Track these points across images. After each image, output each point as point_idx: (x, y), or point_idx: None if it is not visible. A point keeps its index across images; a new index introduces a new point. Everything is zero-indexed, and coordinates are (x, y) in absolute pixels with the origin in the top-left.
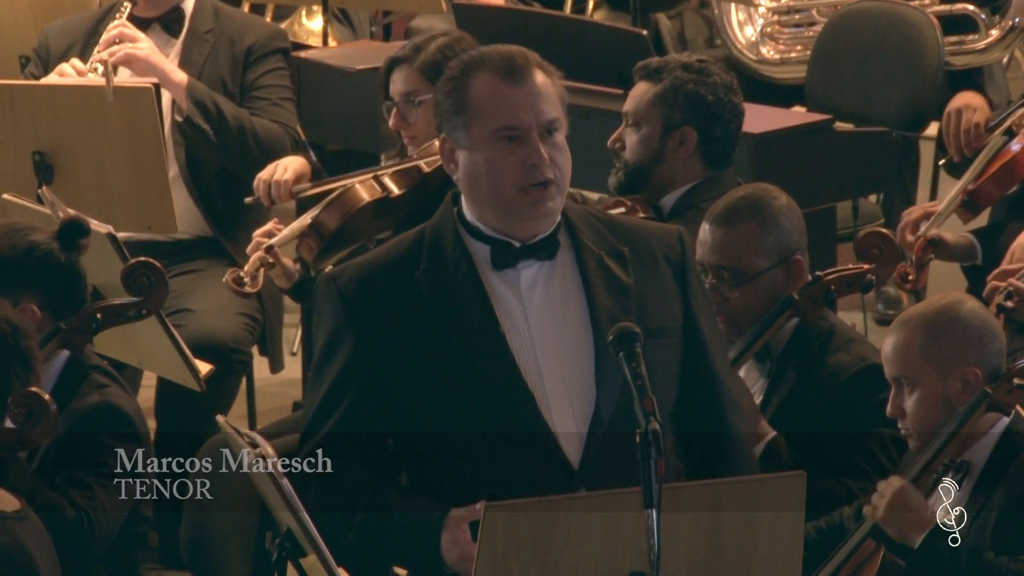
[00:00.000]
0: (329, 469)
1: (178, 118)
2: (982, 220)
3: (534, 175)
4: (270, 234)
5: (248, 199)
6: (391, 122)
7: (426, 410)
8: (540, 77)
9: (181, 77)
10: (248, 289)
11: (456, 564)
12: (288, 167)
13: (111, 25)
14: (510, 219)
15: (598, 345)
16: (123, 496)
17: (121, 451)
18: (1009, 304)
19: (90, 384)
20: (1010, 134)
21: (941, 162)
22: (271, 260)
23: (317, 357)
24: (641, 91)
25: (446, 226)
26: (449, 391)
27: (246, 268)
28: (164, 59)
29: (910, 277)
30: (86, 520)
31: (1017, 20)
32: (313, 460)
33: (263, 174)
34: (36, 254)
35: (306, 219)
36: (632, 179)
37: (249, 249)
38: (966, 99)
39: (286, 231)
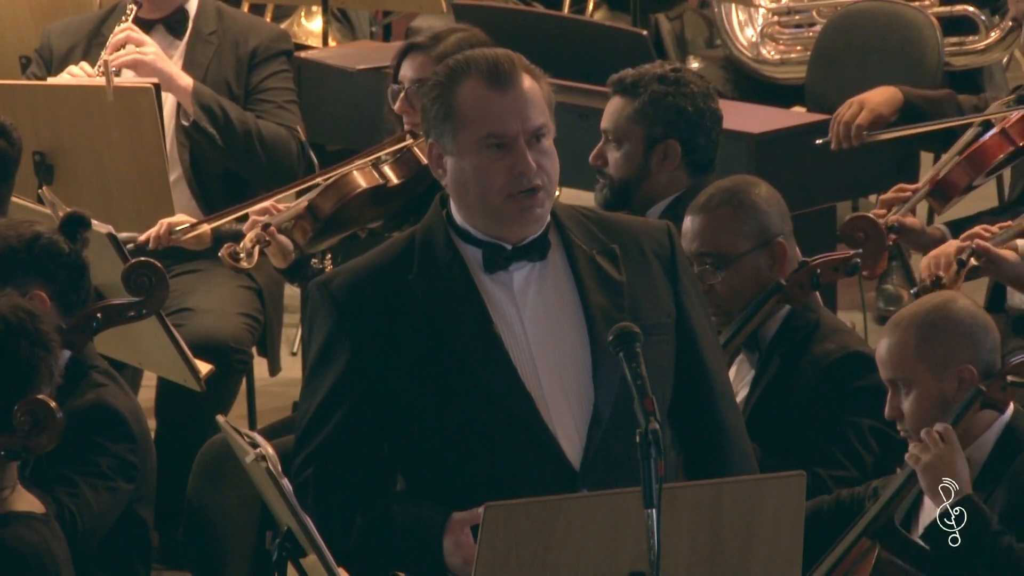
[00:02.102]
0: (326, 476)
1: (184, 122)
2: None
3: (521, 183)
4: (266, 212)
5: (131, 245)
6: (396, 106)
7: (424, 415)
8: (527, 82)
9: (187, 82)
10: (244, 264)
11: (459, 568)
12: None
13: (118, 28)
14: (499, 224)
15: (594, 344)
16: (111, 495)
17: (111, 448)
18: (973, 261)
19: (88, 383)
20: (987, 126)
21: (818, 141)
22: (267, 238)
23: (311, 364)
24: (618, 107)
25: (436, 230)
26: (447, 395)
27: (242, 244)
28: (170, 63)
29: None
30: (67, 516)
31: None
32: (309, 467)
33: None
34: (41, 242)
35: (303, 202)
36: (618, 195)
37: (246, 227)
38: (871, 95)
39: (284, 212)
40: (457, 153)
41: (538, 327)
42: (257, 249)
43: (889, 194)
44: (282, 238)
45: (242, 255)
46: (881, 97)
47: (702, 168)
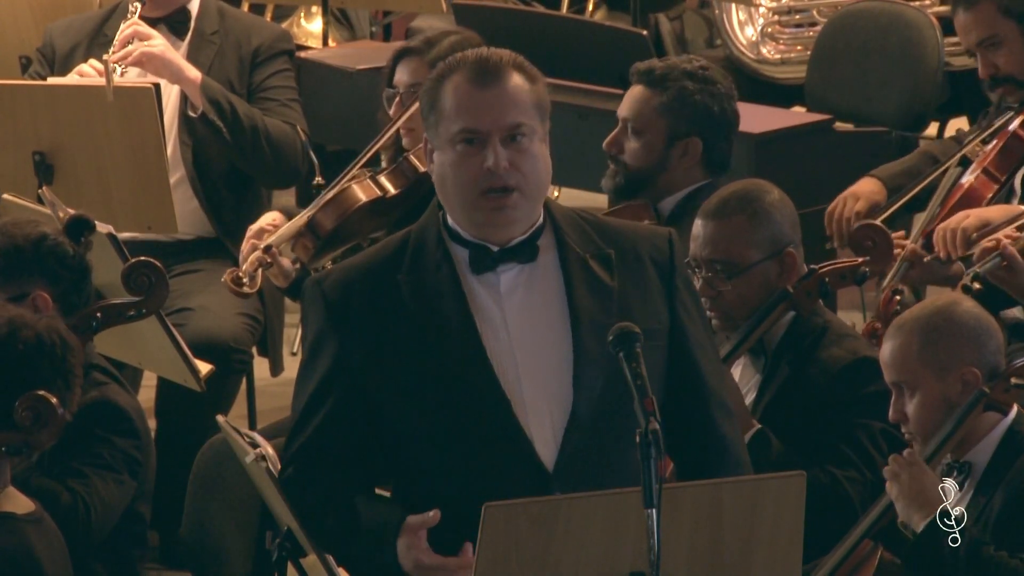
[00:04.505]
0: (304, 476)
1: (192, 114)
2: None
3: (491, 179)
4: (262, 232)
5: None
6: (392, 110)
7: (405, 413)
8: (514, 80)
9: (195, 74)
10: (246, 289)
11: (411, 571)
12: (254, 227)
13: (124, 25)
14: (475, 224)
15: (577, 348)
16: (119, 487)
17: (117, 443)
18: (976, 286)
19: (89, 382)
20: (965, 164)
21: (828, 246)
22: (269, 260)
23: (302, 361)
24: (642, 97)
25: (430, 230)
26: (427, 394)
27: (244, 268)
28: (178, 56)
29: (880, 333)
30: (82, 505)
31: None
32: (290, 467)
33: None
34: (47, 243)
35: (303, 219)
36: (632, 184)
37: (244, 250)
38: (857, 187)
39: (283, 230)
40: (439, 147)
41: (522, 329)
42: (260, 272)
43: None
44: (283, 260)
45: (245, 280)
46: (870, 186)
47: (718, 167)
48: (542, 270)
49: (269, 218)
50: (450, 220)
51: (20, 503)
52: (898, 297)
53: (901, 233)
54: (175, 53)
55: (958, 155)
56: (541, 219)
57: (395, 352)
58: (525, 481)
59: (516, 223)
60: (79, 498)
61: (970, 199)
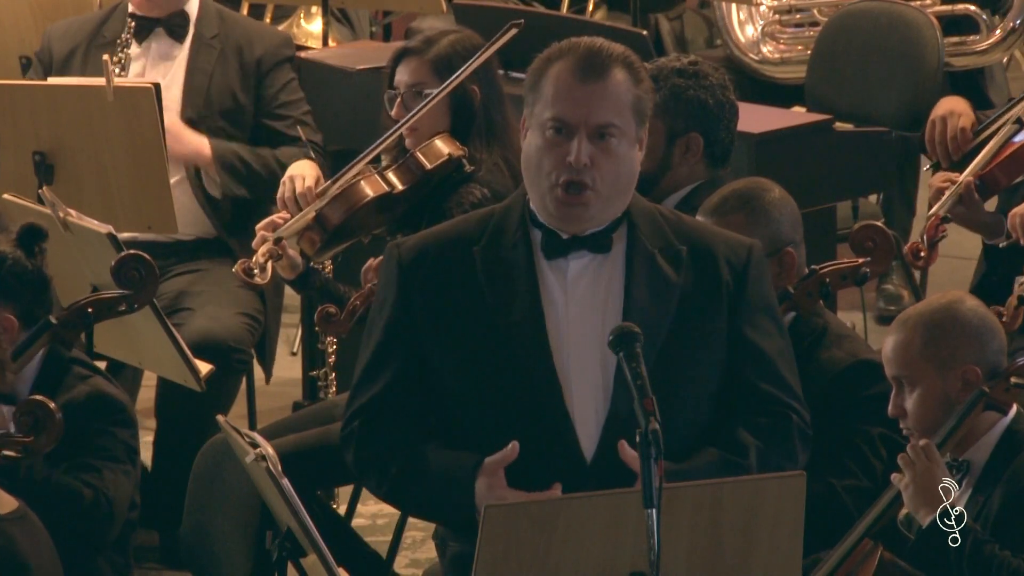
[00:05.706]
0: (370, 428)
1: (215, 195)
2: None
3: (569, 172)
4: (273, 225)
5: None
6: (394, 112)
7: (458, 384)
8: (617, 79)
9: (207, 150)
10: (257, 280)
11: None
12: (304, 176)
13: None
14: (545, 212)
15: None
16: (127, 478)
17: (118, 434)
18: None
19: (74, 377)
20: (1021, 123)
21: (926, 167)
22: (279, 252)
23: (369, 319)
24: None
25: (514, 209)
26: (482, 368)
27: (255, 259)
28: (185, 140)
29: (922, 254)
30: (104, 500)
31: (1019, 22)
32: (355, 420)
33: (286, 192)
34: (7, 265)
35: (310, 213)
36: (639, 189)
37: (255, 243)
38: (950, 105)
39: (292, 222)
40: (532, 127)
41: (582, 319)
42: (270, 264)
43: (937, 182)
44: (292, 252)
45: (255, 270)
46: (963, 105)
47: (721, 160)
48: (611, 262)
49: (309, 170)
50: (532, 202)
51: (3, 502)
52: (944, 226)
53: (956, 174)
54: (181, 142)
55: (1016, 108)
56: (602, 220)
57: (458, 321)
58: (564, 470)
59: (587, 221)
60: (100, 493)
61: (1020, 158)
